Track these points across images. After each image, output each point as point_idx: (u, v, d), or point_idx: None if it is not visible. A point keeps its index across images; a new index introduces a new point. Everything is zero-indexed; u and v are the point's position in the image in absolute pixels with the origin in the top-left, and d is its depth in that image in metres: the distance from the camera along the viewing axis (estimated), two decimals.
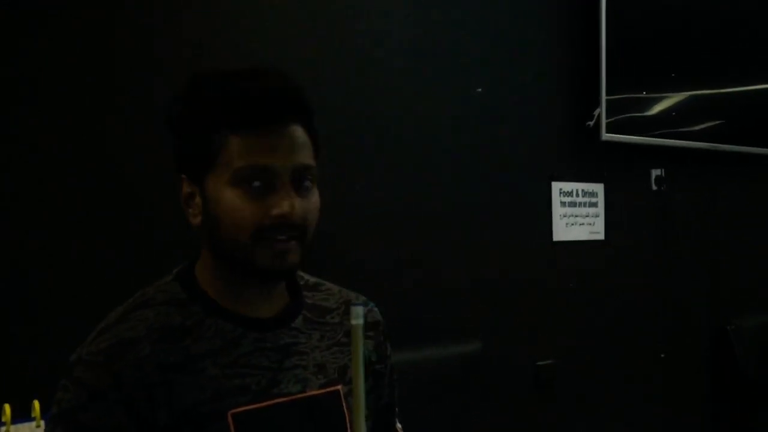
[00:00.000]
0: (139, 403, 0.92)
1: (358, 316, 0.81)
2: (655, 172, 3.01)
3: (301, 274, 1.16)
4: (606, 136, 2.66)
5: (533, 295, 2.62)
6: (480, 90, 2.48)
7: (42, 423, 1.52)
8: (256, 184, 0.97)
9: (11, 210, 1.66)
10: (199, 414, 0.95)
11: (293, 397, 1.03)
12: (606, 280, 2.85)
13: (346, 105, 2.15)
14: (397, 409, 1.26)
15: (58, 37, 1.72)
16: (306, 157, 1.01)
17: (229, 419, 0.96)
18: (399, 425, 1.26)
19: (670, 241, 3.04)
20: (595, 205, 2.81)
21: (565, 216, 2.71)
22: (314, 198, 1.02)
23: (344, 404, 1.09)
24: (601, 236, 2.84)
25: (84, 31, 1.75)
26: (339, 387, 1.09)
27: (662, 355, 3.03)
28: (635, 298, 2.96)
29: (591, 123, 2.68)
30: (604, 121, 2.65)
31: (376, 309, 1.22)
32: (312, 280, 1.18)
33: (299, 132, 1.01)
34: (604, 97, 2.64)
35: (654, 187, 3.01)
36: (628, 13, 2.74)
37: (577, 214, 2.75)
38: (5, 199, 1.65)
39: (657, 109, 2.90)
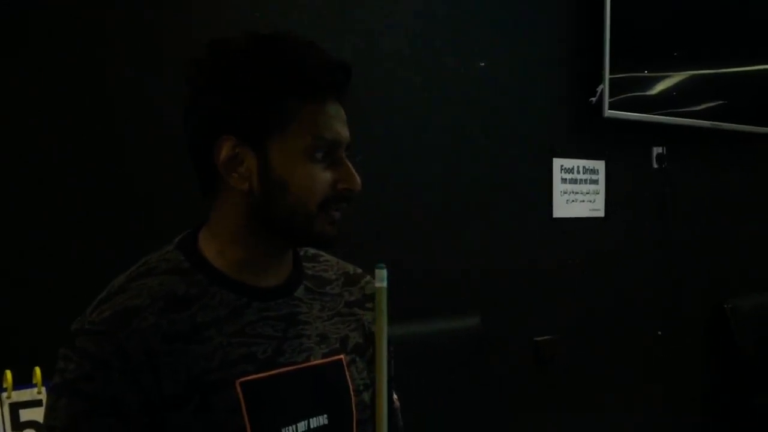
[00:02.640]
0: (143, 372, 0.91)
1: (382, 279, 0.79)
2: (657, 150, 3.01)
3: None
4: (608, 113, 2.66)
5: (532, 271, 2.63)
6: (483, 64, 2.47)
7: (43, 389, 1.53)
8: (324, 155, 0.99)
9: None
10: (207, 383, 0.94)
11: (298, 366, 1.03)
12: (605, 258, 2.86)
13: None
14: (392, 380, 1.26)
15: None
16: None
17: (238, 387, 0.96)
18: (395, 396, 1.27)
19: (669, 219, 3.05)
20: (596, 182, 2.81)
21: (565, 193, 2.71)
22: None
23: (347, 373, 1.09)
24: (601, 213, 2.84)
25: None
26: (342, 356, 1.09)
27: (659, 333, 3.05)
28: (634, 276, 2.97)
29: (594, 99, 2.68)
30: (606, 99, 2.65)
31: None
32: (311, 251, 1.17)
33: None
34: (607, 75, 2.64)
35: (655, 165, 3.01)
36: None
37: (577, 191, 2.75)
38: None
39: (659, 88, 2.90)
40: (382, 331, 0.81)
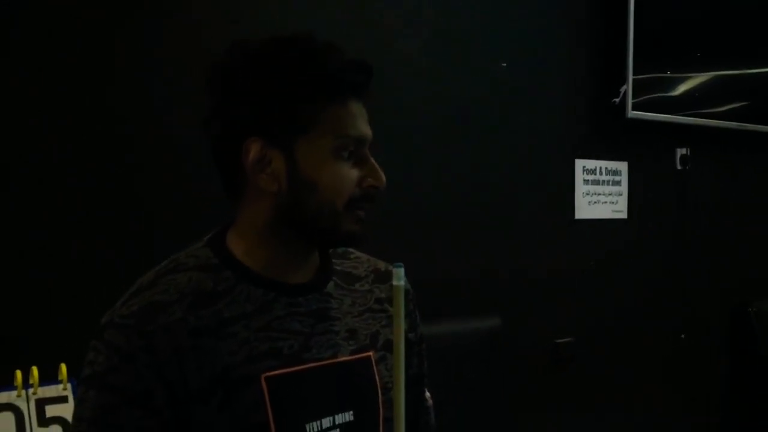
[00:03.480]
0: (170, 366, 0.93)
1: (399, 278, 0.79)
2: (680, 151, 2.97)
3: None
4: (632, 113, 2.63)
5: (554, 272, 2.60)
6: (505, 65, 2.45)
7: (69, 386, 1.54)
8: (349, 153, 1.01)
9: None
10: (232, 377, 0.95)
11: (325, 362, 1.03)
12: (627, 259, 2.82)
13: None
14: (426, 378, 1.27)
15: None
16: None
17: (263, 382, 0.97)
18: (428, 394, 1.26)
19: (693, 221, 3.01)
20: (618, 183, 2.79)
21: (587, 194, 2.69)
22: None
23: (375, 370, 1.09)
24: (623, 215, 2.81)
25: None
26: (370, 353, 1.09)
27: (682, 336, 3.01)
28: (656, 278, 2.93)
29: (617, 100, 2.66)
30: (630, 100, 2.62)
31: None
32: (340, 248, 1.19)
33: None
34: (630, 76, 2.61)
35: (678, 167, 2.98)
36: None
37: (600, 192, 2.72)
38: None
39: (682, 88, 2.86)
40: (400, 329, 0.81)
